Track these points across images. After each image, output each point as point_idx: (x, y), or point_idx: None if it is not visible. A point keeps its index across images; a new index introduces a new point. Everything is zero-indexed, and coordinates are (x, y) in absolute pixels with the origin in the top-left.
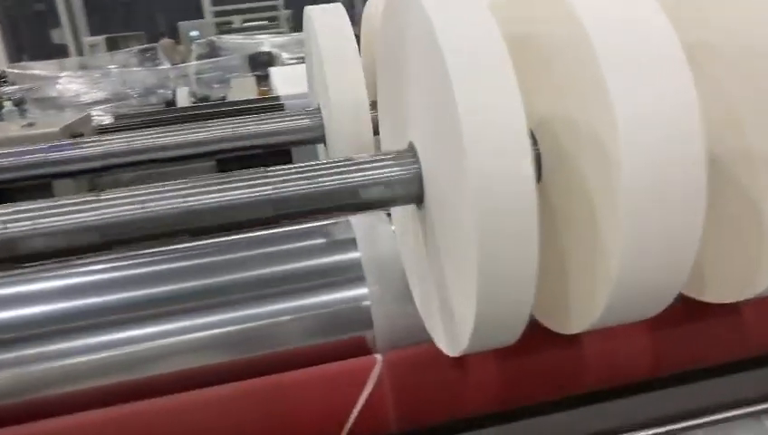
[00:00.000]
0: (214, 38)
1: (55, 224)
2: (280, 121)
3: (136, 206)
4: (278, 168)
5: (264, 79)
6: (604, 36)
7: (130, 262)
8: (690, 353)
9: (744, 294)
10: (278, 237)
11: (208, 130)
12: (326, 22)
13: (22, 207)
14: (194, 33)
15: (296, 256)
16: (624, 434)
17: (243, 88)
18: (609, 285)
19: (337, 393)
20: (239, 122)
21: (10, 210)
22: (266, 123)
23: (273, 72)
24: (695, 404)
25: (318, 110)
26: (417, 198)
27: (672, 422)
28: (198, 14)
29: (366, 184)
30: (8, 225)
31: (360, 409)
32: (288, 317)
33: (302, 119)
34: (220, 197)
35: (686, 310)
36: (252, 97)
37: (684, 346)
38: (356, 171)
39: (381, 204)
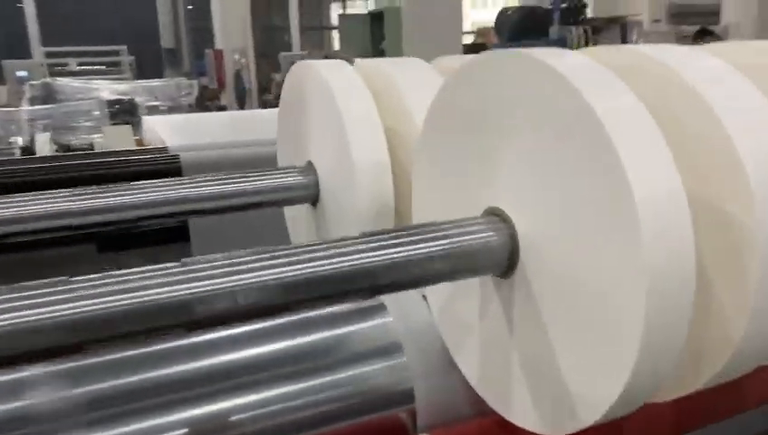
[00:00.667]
0: (49, 80)
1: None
2: (270, 179)
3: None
4: (349, 238)
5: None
6: (736, 122)
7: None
8: (705, 411)
9: None
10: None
11: (175, 189)
12: (339, 78)
13: None
14: (22, 74)
15: (319, 327)
16: None
17: (116, 137)
18: (725, 357)
19: None
20: (215, 180)
21: None
22: (255, 181)
23: (153, 121)
24: None
25: (310, 167)
26: (508, 267)
27: None
28: (26, 53)
29: (455, 252)
30: None
31: None
32: (312, 397)
33: (294, 177)
34: (297, 271)
35: None
36: (130, 148)
37: (701, 405)
38: (448, 237)
39: (467, 274)
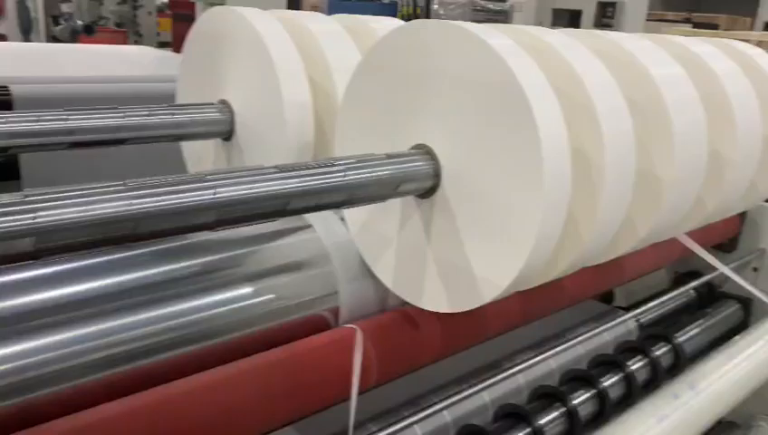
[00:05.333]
0: None
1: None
2: (189, 113)
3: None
4: (314, 162)
5: None
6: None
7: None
8: (542, 303)
9: None
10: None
11: (98, 118)
12: (268, 27)
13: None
14: None
15: (266, 239)
16: None
17: None
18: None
19: (336, 357)
20: (138, 111)
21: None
22: (172, 114)
23: None
24: None
25: (225, 104)
26: (430, 189)
27: None
28: None
29: (392, 177)
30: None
31: (359, 369)
32: (261, 298)
33: (212, 113)
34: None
35: None
36: None
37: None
38: (389, 164)
39: (398, 195)
